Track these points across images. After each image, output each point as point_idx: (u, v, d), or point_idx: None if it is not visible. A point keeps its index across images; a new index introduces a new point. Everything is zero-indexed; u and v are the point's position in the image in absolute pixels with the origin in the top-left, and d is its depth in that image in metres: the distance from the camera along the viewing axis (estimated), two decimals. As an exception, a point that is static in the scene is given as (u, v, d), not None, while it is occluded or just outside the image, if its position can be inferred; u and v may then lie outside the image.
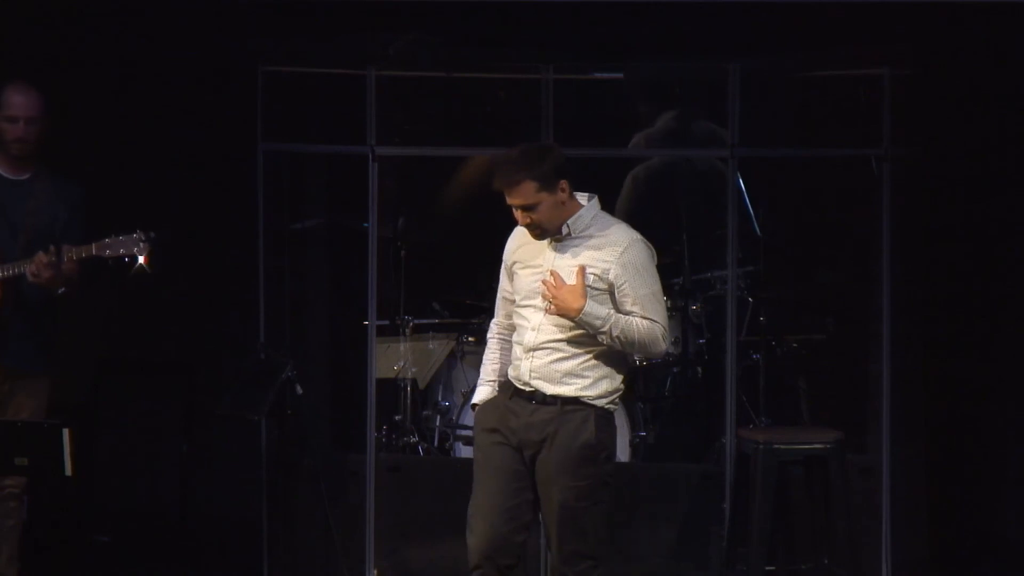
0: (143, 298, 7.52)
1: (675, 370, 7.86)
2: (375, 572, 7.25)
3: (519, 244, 5.72)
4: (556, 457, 5.55)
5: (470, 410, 6.02)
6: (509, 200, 5.56)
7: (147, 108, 7.24)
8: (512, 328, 5.77)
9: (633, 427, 7.74)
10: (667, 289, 7.83)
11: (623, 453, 7.67)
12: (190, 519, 7.41)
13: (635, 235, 5.66)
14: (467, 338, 7.85)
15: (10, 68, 7.05)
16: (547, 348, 5.59)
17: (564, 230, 5.61)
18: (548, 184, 5.53)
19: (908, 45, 7.11)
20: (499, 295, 5.85)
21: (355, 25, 7.28)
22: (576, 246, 5.62)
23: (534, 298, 5.61)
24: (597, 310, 5.52)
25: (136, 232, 6.20)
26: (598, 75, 8.12)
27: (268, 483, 7.20)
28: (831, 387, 7.71)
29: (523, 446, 5.61)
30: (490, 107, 8.13)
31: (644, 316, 5.57)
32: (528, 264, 5.66)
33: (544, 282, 5.54)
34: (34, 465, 5.75)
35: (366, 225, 7.37)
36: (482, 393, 5.83)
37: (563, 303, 5.50)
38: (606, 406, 5.64)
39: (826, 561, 7.01)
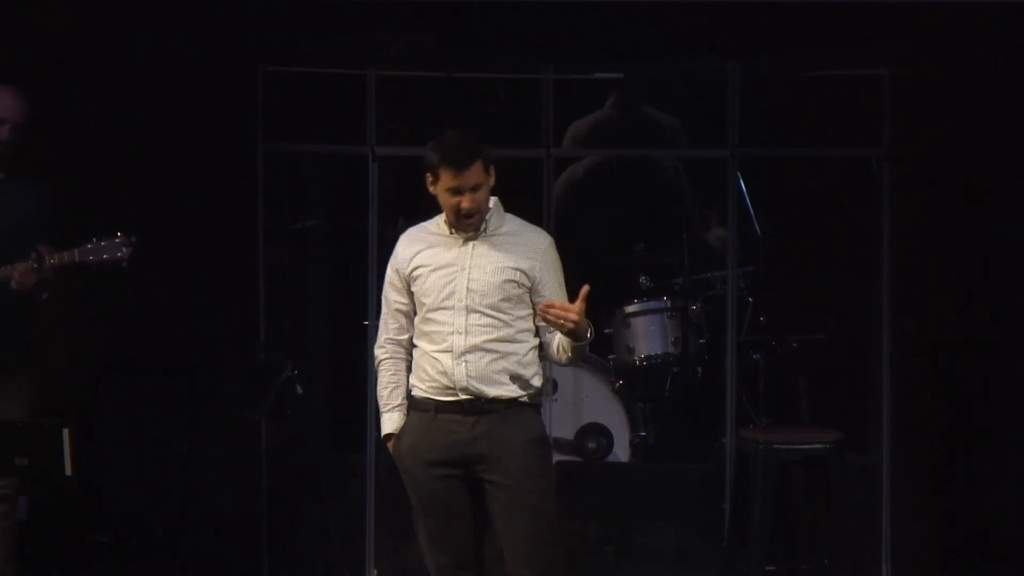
0: (143, 298, 7.52)
1: (675, 370, 7.86)
2: (375, 572, 7.25)
3: (416, 250, 5.55)
4: (516, 464, 5.41)
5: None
6: (456, 182, 5.40)
7: (147, 108, 7.24)
8: (407, 344, 5.60)
9: (633, 427, 7.76)
10: (667, 289, 7.87)
11: (623, 453, 7.69)
12: (190, 519, 7.40)
13: (549, 236, 5.63)
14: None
15: (8, 68, 7.06)
16: (481, 350, 5.43)
17: (480, 227, 5.51)
18: (487, 167, 5.47)
19: (908, 45, 7.12)
20: (388, 309, 5.61)
21: (355, 25, 7.28)
22: (494, 243, 5.51)
23: (450, 299, 5.45)
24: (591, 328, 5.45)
25: (118, 236, 6.19)
26: (598, 75, 8.13)
27: (268, 483, 7.20)
28: (831, 387, 7.71)
29: (469, 463, 5.44)
30: (490, 107, 8.14)
31: None
32: (437, 266, 5.50)
33: (551, 310, 5.31)
34: (34, 465, 5.74)
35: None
36: (394, 420, 5.59)
37: (582, 323, 5.34)
38: (539, 403, 5.56)
39: (826, 561, 7.02)
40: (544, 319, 5.39)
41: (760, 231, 7.89)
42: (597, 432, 7.63)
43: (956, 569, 7.14)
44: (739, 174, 7.51)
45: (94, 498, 7.30)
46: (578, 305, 5.34)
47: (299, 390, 7.23)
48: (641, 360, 7.71)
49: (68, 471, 5.64)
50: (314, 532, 7.25)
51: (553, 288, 5.53)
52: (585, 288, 5.38)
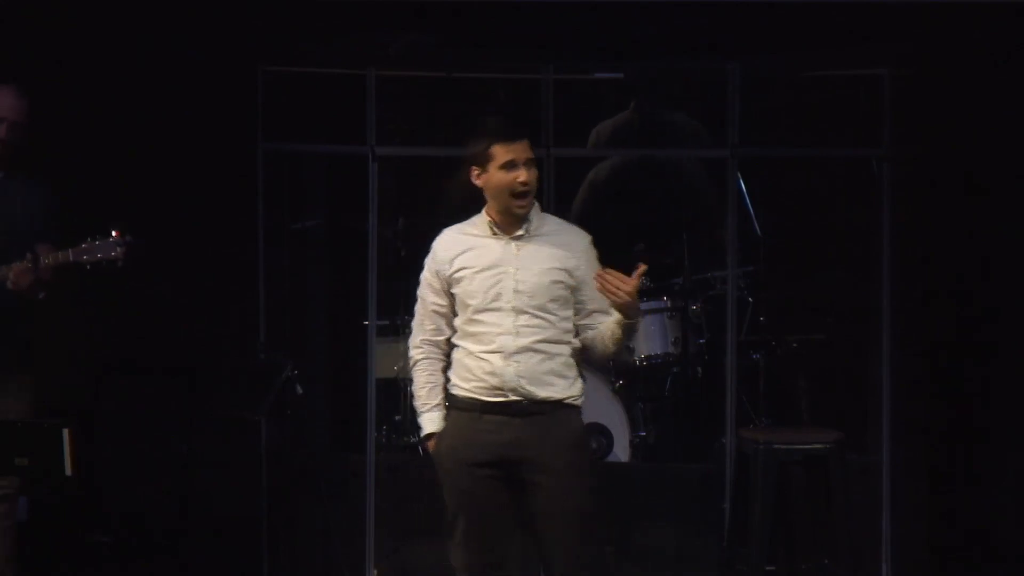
0: (143, 298, 7.52)
1: (675, 370, 7.86)
2: (375, 572, 7.25)
3: (457, 251, 5.52)
4: (561, 466, 5.43)
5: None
6: (512, 155, 5.40)
7: (147, 108, 7.24)
8: (444, 344, 5.58)
9: (633, 427, 7.75)
10: (667, 289, 7.87)
11: (623, 453, 7.68)
12: (190, 519, 7.40)
13: (588, 235, 5.62)
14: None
15: (8, 68, 7.06)
16: (531, 351, 5.43)
17: (524, 227, 5.51)
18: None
19: (908, 45, 7.12)
20: (425, 311, 5.58)
21: (355, 25, 7.28)
22: (537, 244, 5.50)
23: (498, 300, 5.44)
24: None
25: (112, 235, 6.19)
26: (598, 75, 8.13)
27: (268, 483, 7.20)
28: (831, 387, 7.71)
29: (512, 464, 5.45)
30: (490, 107, 8.14)
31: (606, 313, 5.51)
32: (482, 268, 5.47)
33: (608, 277, 5.33)
34: (34, 465, 5.74)
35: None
36: (435, 420, 5.57)
37: (635, 300, 5.36)
38: (581, 404, 5.57)
39: (826, 561, 7.02)
40: (601, 287, 5.35)
41: (760, 231, 7.89)
42: (597, 432, 7.62)
43: (956, 569, 7.14)
44: (739, 174, 7.51)
45: (94, 498, 7.30)
46: (634, 280, 5.35)
47: (299, 390, 7.23)
48: (641, 360, 7.71)
49: (68, 471, 5.63)
50: (314, 532, 7.24)
51: (593, 287, 5.50)
52: (641, 266, 5.39)
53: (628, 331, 5.49)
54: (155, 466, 7.36)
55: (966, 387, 7.20)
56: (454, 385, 5.55)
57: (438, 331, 5.59)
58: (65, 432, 5.60)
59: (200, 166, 7.28)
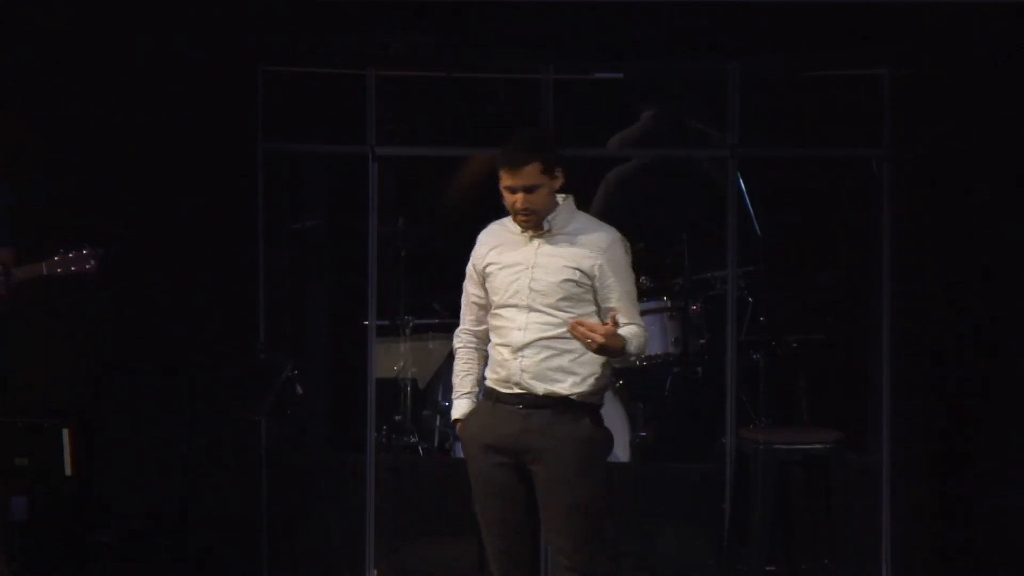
0: (143, 299, 7.52)
1: (675, 370, 7.86)
2: (375, 572, 7.25)
3: (491, 246, 5.67)
4: (561, 460, 5.50)
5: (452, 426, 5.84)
6: (511, 181, 5.52)
7: (147, 108, 7.23)
8: (483, 335, 5.73)
9: (633, 427, 7.75)
10: (667, 289, 7.86)
11: (623, 453, 7.68)
12: (190, 519, 7.40)
13: (616, 234, 5.67)
14: (467, 338, 7.84)
15: (9, 68, 7.06)
16: (536, 346, 5.53)
17: (545, 226, 5.60)
18: (550, 169, 5.54)
19: (908, 45, 7.12)
20: (467, 301, 5.75)
21: (355, 25, 7.28)
22: (558, 243, 5.59)
23: (515, 297, 5.56)
24: (628, 342, 5.51)
25: (85, 248, 6.22)
26: (598, 75, 8.13)
27: (268, 483, 7.20)
28: (831, 387, 7.71)
29: (519, 452, 5.55)
30: (490, 107, 8.14)
31: (628, 320, 5.57)
32: (506, 264, 5.62)
33: (579, 328, 5.41)
34: (34, 465, 5.74)
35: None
36: (462, 407, 5.72)
37: (610, 344, 5.42)
38: (596, 403, 5.62)
39: (826, 561, 7.02)
40: (572, 334, 5.47)
41: (760, 231, 7.89)
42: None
43: (956, 569, 7.14)
44: (739, 174, 7.51)
45: (94, 498, 7.30)
46: (605, 328, 5.42)
47: (299, 390, 7.23)
48: (641, 360, 7.70)
49: (68, 471, 5.64)
50: (314, 532, 7.24)
51: (614, 286, 5.59)
52: (613, 315, 5.49)
53: (619, 360, 5.64)
54: (155, 466, 7.36)
55: (966, 387, 7.20)
56: (486, 376, 5.70)
57: (477, 322, 5.75)
58: (65, 432, 5.61)
59: (200, 166, 7.27)
